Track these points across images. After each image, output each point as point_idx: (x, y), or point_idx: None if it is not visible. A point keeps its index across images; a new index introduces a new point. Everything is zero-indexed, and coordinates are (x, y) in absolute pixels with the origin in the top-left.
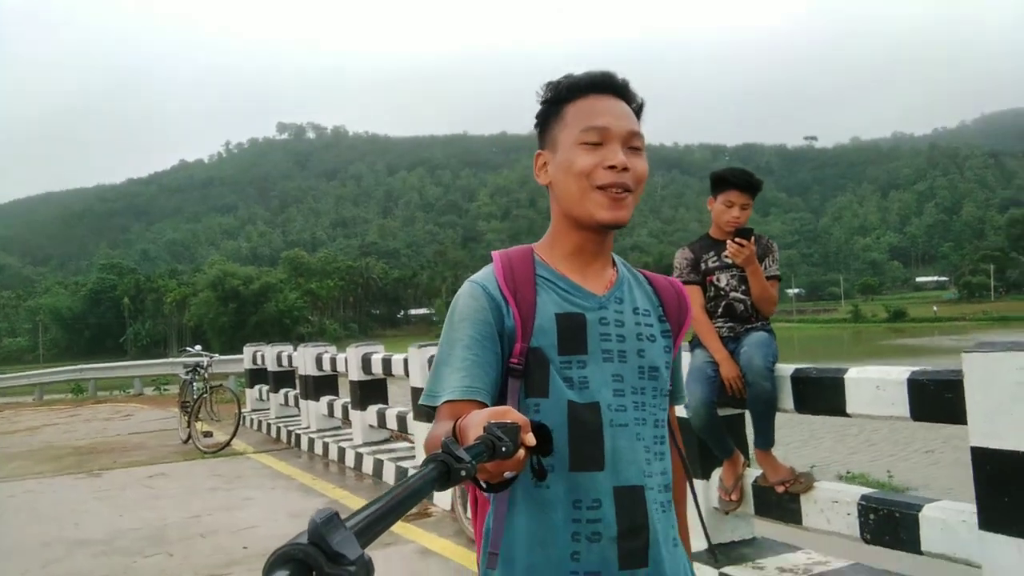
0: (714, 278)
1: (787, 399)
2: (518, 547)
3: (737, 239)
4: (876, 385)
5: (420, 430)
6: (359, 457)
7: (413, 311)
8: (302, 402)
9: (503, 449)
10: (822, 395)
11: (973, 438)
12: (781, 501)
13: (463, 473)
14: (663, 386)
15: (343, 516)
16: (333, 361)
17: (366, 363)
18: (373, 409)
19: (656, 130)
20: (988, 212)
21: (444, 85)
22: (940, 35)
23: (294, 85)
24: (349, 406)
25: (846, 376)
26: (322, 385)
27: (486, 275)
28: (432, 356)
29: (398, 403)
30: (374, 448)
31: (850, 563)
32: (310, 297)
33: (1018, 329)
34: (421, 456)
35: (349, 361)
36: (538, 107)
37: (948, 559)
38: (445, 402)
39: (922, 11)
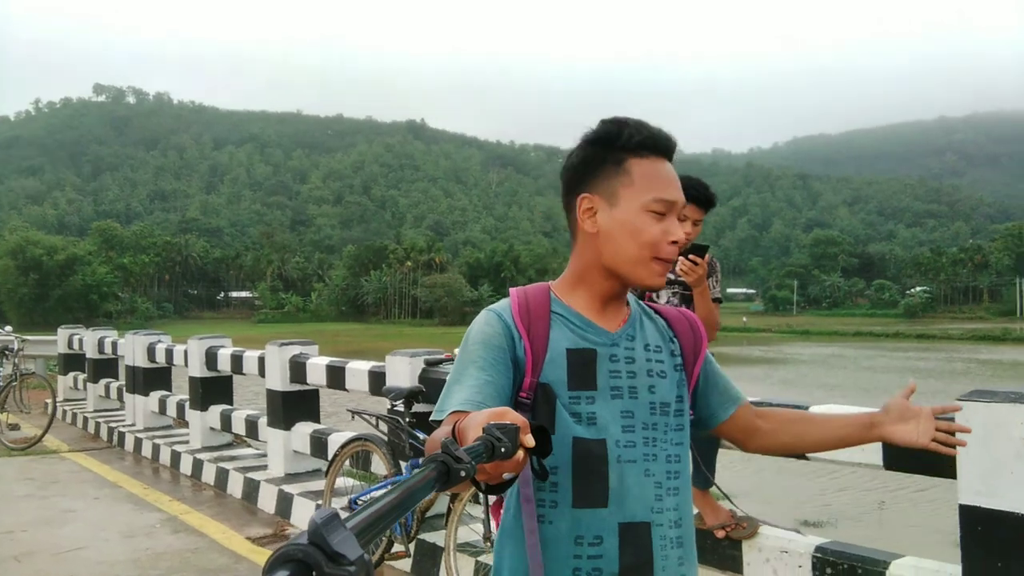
0: (653, 295)
1: None
2: None
3: (691, 256)
4: None
5: (274, 437)
6: (198, 464)
7: (235, 293)
8: (128, 396)
9: (502, 450)
10: None
11: (964, 495)
12: (718, 547)
13: (462, 474)
14: (678, 421)
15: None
16: (169, 353)
17: (211, 358)
18: (216, 410)
19: (494, 127)
20: (794, 230)
21: (277, 62)
22: (759, 61)
23: (116, 46)
24: (187, 405)
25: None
26: (153, 378)
27: (503, 305)
28: (293, 355)
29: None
30: (215, 454)
31: None
32: (122, 272)
33: (817, 342)
34: (274, 465)
35: (190, 354)
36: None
37: None
38: (451, 413)
39: (743, 40)
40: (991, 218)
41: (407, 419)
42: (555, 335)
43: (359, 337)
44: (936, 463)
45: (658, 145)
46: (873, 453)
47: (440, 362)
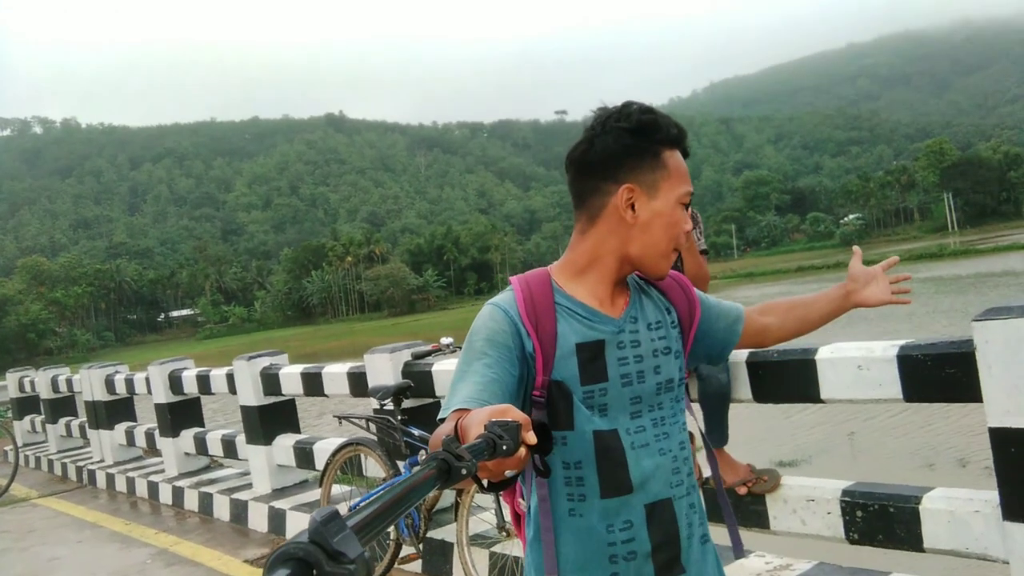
0: None
1: (743, 388)
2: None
3: None
4: (858, 365)
5: (256, 454)
6: (178, 491)
7: (175, 313)
8: (91, 432)
9: (504, 447)
10: (788, 381)
11: (992, 418)
12: (741, 503)
13: (464, 471)
14: (679, 392)
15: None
16: (129, 382)
17: (175, 382)
18: (188, 434)
19: (415, 110)
20: (724, 175)
21: (182, 71)
22: (666, 14)
23: (14, 78)
24: (156, 433)
25: (817, 357)
26: (116, 411)
27: (507, 300)
28: (264, 367)
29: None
30: (195, 479)
31: (814, 563)
32: (56, 307)
33: (762, 284)
34: (259, 482)
35: (153, 381)
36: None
37: (958, 555)
38: (454, 411)
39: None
40: (911, 138)
41: (399, 417)
42: (563, 329)
43: (310, 340)
44: (956, 388)
45: (683, 138)
46: (892, 387)
47: (428, 354)
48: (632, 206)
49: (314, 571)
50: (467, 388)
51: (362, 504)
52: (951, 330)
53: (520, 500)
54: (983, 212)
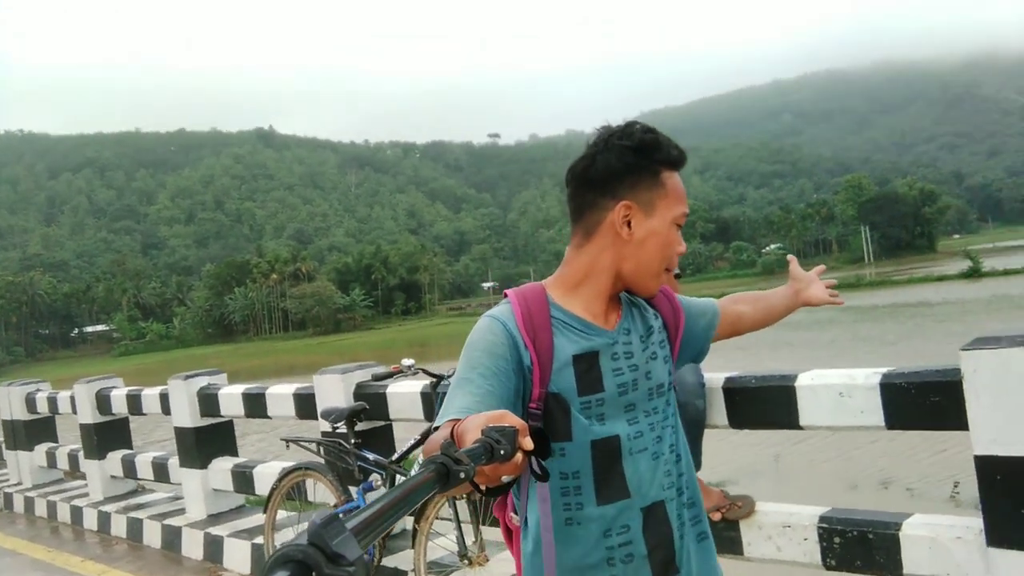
0: None
1: (718, 414)
2: None
3: None
4: (839, 392)
5: (190, 478)
6: (104, 516)
7: (90, 328)
8: (8, 453)
9: (501, 452)
10: (766, 407)
11: (979, 446)
12: (714, 530)
13: (462, 475)
14: (671, 396)
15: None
16: (52, 401)
17: (103, 401)
18: (116, 456)
19: (347, 128)
20: None
21: (107, 79)
22: (603, 44)
23: None
24: (81, 454)
25: (797, 384)
26: (36, 431)
27: (505, 313)
28: (202, 387)
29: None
30: (122, 504)
31: None
32: None
33: None
34: (193, 507)
35: (79, 400)
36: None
37: None
38: (449, 419)
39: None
40: (831, 172)
41: (352, 440)
42: (559, 342)
43: (231, 359)
44: (941, 416)
45: (683, 160)
46: (874, 415)
47: (388, 376)
48: (629, 223)
49: (313, 573)
50: (464, 398)
51: (361, 507)
52: (869, 357)
53: (512, 515)
54: (898, 245)
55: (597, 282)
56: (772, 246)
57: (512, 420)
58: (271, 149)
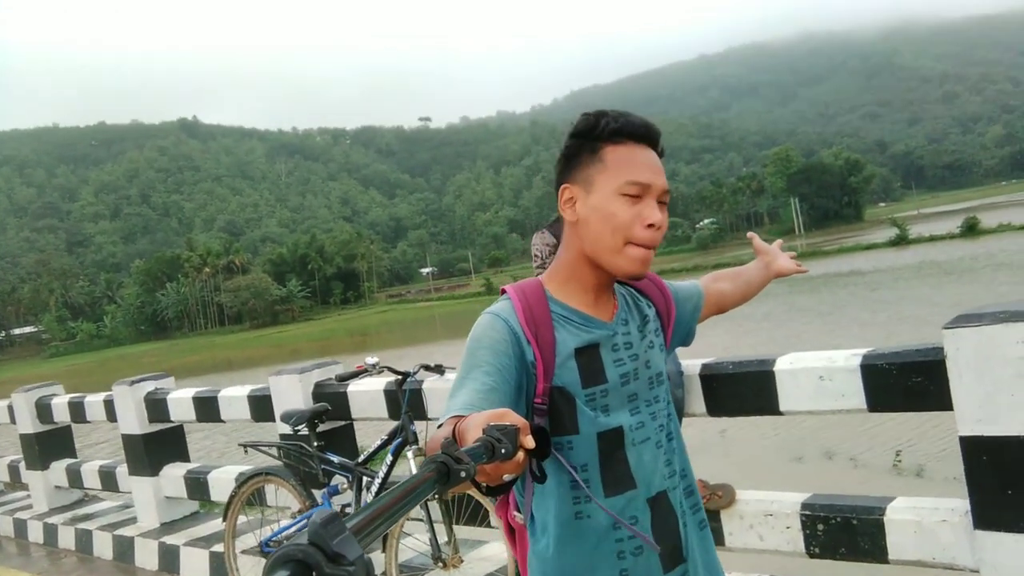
0: None
1: (696, 401)
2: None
3: None
4: (819, 375)
5: (141, 486)
6: (51, 529)
7: (17, 330)
8: None
9: (502, 451)
10: (745, 393)
11: (963, 426)
12: None
13: (463, 474)
14: (667, 387)
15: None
16: None
17: (44, 410)
18: (60, 466)
19: (274, 116)
20: None
21: (21, 74)
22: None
23: None
24: (22, 465)
25: (776, 368)
26: None
27: (506, 309)
28: (149, 392)
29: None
30: (68, 515)
31: None
32: None
33: None
34: (145, 516)
35: (17, 409)
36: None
37: (924, 565)
38: (451, 416)
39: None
40: (759, 145)
41: (315, 443)
42: (561, 337)
43: (167, 356)
44: (923, 397)
45: (635, 132)
46: (855, 398)
47: (353, 376)
48: (575, 206)
49: (313, 573)
50: (466, 395)
51: (278, 536)
52: (808, 328)
53: (515, 513)
54: (827, 215)
55: (579, 272)
56: (705, 221)
57: (513, 418)
58: (196, 140)
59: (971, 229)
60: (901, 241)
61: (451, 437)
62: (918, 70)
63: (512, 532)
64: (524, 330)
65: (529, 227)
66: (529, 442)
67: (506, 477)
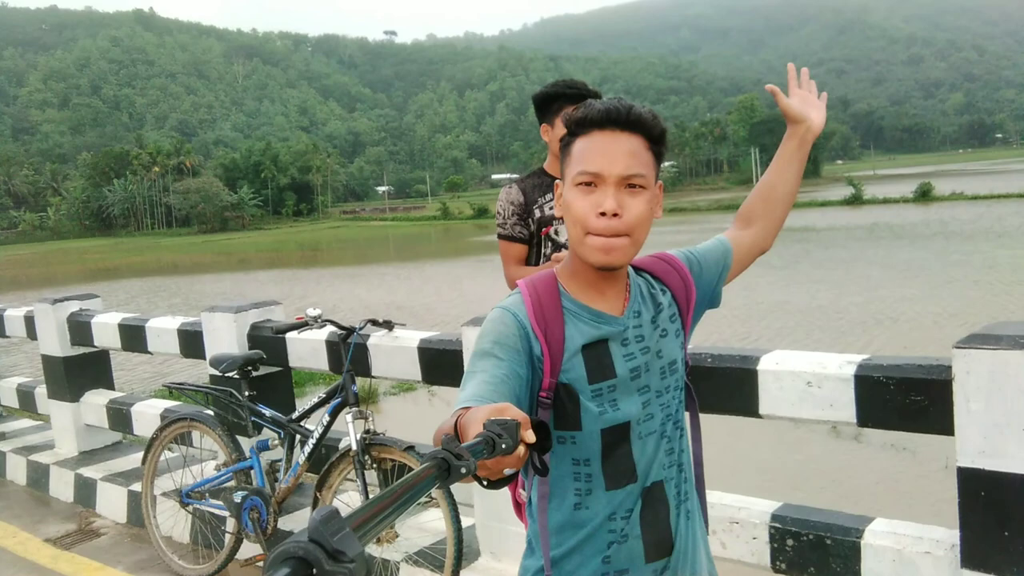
0: (551, 230)
1: None
2: (564, 564)
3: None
4: (807, 381)
5: (60, 411)
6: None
7: None
8: None
9: (503, 446)
10: (720, 392)
11: (963, 457)
12: None
13: (463, 470)
14: (681, 375)
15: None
16: None
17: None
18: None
19: (233, 15)
20: None
21: None
22: None
23: None
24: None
25: (759, 367)
26: None
27: (516, 303)
28: (72, 313)
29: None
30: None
31: None
32: None
33: None
34: (63, 443)
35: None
36: None
37: None
38: (459, 408)
39: None
40: (725, 91)
41: (245, 392)
42: (570, 332)
43: (110, 254)
44: (921, 418)
45: (600, 120)
46: (845, 410)
47: (292, 327)
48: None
49: (314, 570)
50: (474, 387)
51: (199, 487)
52: (761, 281)
53: (521, 490)
54: None
55: (578, 265)
56: (665, 164)
57: (514, 413)
58: (151, 33)
59: (925, 195)
60: (855, 201)
61: (453, 432)
62: (887, 30)
63: (520, 508)
64: (533, 324)
65: (490, 154)
66: (529, 437)
67: (506, 471)
